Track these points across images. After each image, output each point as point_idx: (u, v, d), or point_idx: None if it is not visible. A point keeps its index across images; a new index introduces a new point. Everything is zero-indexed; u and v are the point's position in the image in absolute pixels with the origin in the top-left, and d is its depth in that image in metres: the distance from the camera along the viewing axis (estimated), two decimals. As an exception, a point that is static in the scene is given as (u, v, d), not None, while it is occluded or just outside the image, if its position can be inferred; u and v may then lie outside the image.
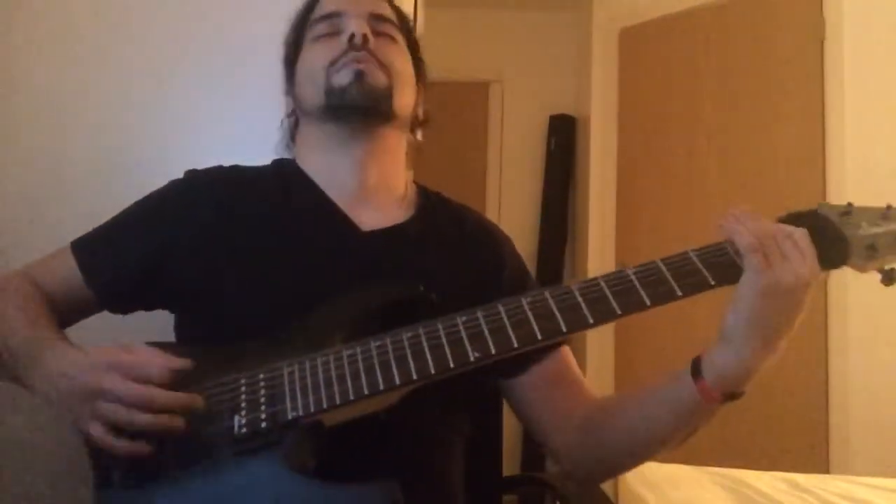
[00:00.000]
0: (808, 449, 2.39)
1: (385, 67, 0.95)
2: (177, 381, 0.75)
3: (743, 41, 2.74)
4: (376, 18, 0.99)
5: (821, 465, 2.30)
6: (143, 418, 0.71)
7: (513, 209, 3.66)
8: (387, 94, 0.94)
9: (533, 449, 3.19)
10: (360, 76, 0.93)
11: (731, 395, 0.78)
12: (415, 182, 1.07)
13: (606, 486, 0.97)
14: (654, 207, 2.94)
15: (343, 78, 0.93)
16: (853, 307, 2.33)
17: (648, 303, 0.75)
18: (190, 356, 0.81)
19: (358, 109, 0.93)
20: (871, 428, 2.24)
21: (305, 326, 0.81)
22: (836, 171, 2.42)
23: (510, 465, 0.97)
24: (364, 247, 0.92)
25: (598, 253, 3.14)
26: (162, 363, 0.74)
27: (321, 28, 0.98)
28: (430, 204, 1.02)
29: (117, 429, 0.72)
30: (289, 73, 1.04)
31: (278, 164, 1.03)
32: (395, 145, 1.01)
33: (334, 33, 0.97)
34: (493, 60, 3.81)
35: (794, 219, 0.81)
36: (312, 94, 0.96)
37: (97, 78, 1.45)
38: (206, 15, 1.48)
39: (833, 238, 0.80)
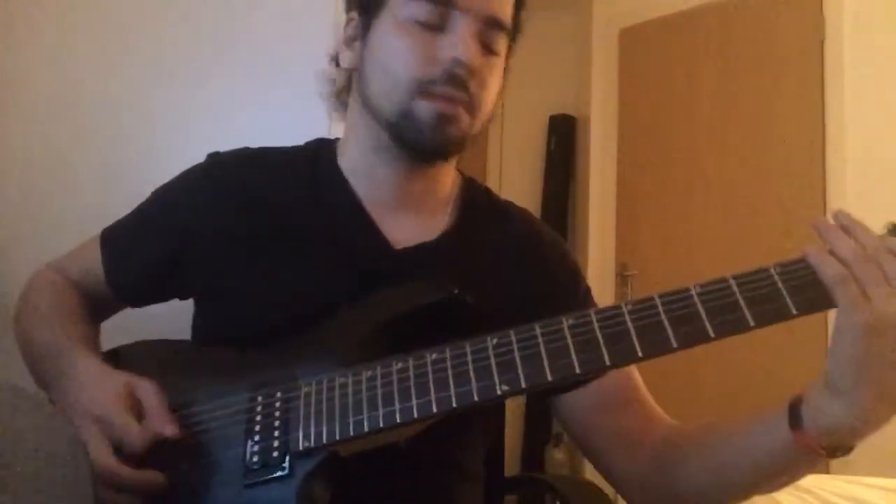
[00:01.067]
0: (808, 449, 2.39)
1: (474, 110, 0.82)
2: (188, 393, 0.74)
3: (743, 41, 2.74)
4: (491, 25, 0.81)
5: (821, 465, 2.30)
6: (103, 493, 0.68)
7: (513, 209, 3.66)
8: (464, 139, 0.83)
9: (533, 449, 3.19)
10: (443, 120, 0.79)
11: (840, 448, 0.65)
12: (461, 174, 0.97)
13: (606, 486, 0.94)
14: (654, 207, 2.94)
15: (425, 113, 0.79)
16: (853, 307, 2.32)
17: (712, 334, 0.62)
18: (209, 358, 0.80)
19: (426, 153, 0.83)
20: (871, 428, 2.24)
21: (330, 332, 0.77)
22: (836, 171, 2.42)
23: (510, 465, 0.95)
24: (394, 265, 0.84)
25: (599, 253, 3.14)
26: (145, 434, 0.70)
27: (421, 11, 0.79)
28: (473, 207, 0.92)
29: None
30: (364, 21, 0.84)
31: (315, 149, 0.93)
32: (451, 162, 0.91)
33: (436, 27, 0.79)
34: (493, 60, 3.81)
35: None
36: (385, 97, 0.81)
37: (96, 77, 1.45)
38: (206, 13, 1.48)
39: None
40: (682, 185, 2.85)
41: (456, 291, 0.75)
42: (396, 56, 0.80)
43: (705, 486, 0.74)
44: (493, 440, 0.97)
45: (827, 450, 0.65)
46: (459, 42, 0.78)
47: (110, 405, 0.72)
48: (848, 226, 0.62)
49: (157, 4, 1.47)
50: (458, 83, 0.78)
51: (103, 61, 1.46)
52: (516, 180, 3.77)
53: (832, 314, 0.64)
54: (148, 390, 0.74)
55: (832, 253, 0.61)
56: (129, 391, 0.74)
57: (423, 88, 0.78)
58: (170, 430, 0.71)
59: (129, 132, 1.45)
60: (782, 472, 0.69)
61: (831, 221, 0.63)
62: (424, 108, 0.79)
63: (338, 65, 0.90)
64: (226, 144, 0.95)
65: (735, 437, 0.73)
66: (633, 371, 0.86)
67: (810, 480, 1.44)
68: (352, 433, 0.67)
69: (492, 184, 3.95)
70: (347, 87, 0.90)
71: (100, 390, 0.74)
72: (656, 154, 2.98)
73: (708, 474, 0.74)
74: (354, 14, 0.85)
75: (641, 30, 3.07)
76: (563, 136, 3.64)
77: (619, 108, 3.15)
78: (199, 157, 0.95)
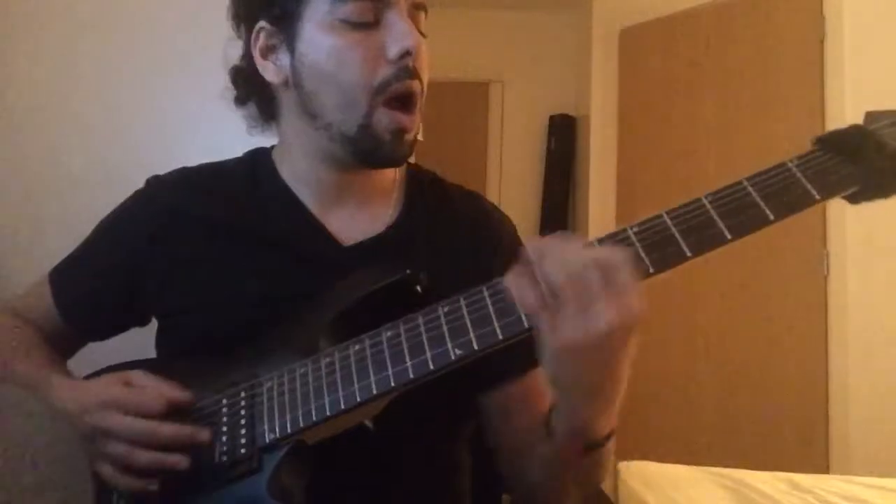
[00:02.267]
0: (808, 449, 2.39)
1: (422, 95, 0.81)
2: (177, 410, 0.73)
3: (743, 41, 2.74)
4: (417, 8, 0.80)
5: (821, 465, 2.30)
6: (145, 457, 0.69)
7: (513, 209, 3.64)
8: (414, 143, 0.82)
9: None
10: (400, 132, 0.79)
11: (592, 444, 0.67)
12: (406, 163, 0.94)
13: (606, 486, 0.94)
14: (654, 207, 2.92)
15: (384, 126, 0.78)
16: (853, 307, 2.33)
17: (728, 236, 0.62)
18: (172, 373, 0.79)
19: (384, 164, 0.84)
20: (871, 428, 2.24)
21: (288, 329, 0.76)
22: (836, 171, 2.42)
23: (510, 465, 0.94)
24: (344, 262, 0.82)
25: (598, 253, 3.14)
26: (161, 395, 0.71)
27: (354, 11, 0.76)
28: (419, 194, 0.91)
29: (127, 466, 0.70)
30: (280, 30, 0.80)
31: (251, 160, 0.92)
32: None
33: (373, 23, 0.77)
34: (493, 60, 3.81)
35: (834, 139, 0.64)
36: (340, 110, 0.79)
37: (94, 80, 1.45)
38: (207, 15, 1.48)
39: (881, 157, 0.61)
40: (682, 185, 2.85)
41: (409, 272, 0.75)
42: (343, 65, 0.77)
43: (536, 481, 0.78)
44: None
45: (579, 448, 0.67)
46: (404, 33, 0.76)
47: (112, 389, 0.73)
48: (545, 251, 0.58)
49: (157, 6, 1.47)
50: (412, 73, 0.78)
51: (104, 63, 1.46)
52: (516, 180, 3.77)
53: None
54: (143, 374, 0.74)
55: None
56: (124, 378, 0.74)
57: (380, 91, 0.77)
58: (180, 393, 0.72)
59: (129, 133, 1.45)
60: (567, 471, 0.72)
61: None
62: (383, 124, 0.78)
63: (247, 80, 0.86)
64: (227, 146, 0.95)
65: (536, 440, 0.75)
66: (541, 380, 0.86)
67: (810, 480, 1.44)
68: (314, 419, 0.67)
69: (492, 184, 3.99)
70: (268, 100, 0.87)
71: (92, 386, 0.75)
72: (656, 154, 2.98)
73: (529, 477, 0.77)
74: (264, 24, 0.81)
75: (641, 30, 3.07)
76: (563, 136, 3.64)
77: (619, 108, 3.14)
78: (200, 159, 0.95)
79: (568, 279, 0.56)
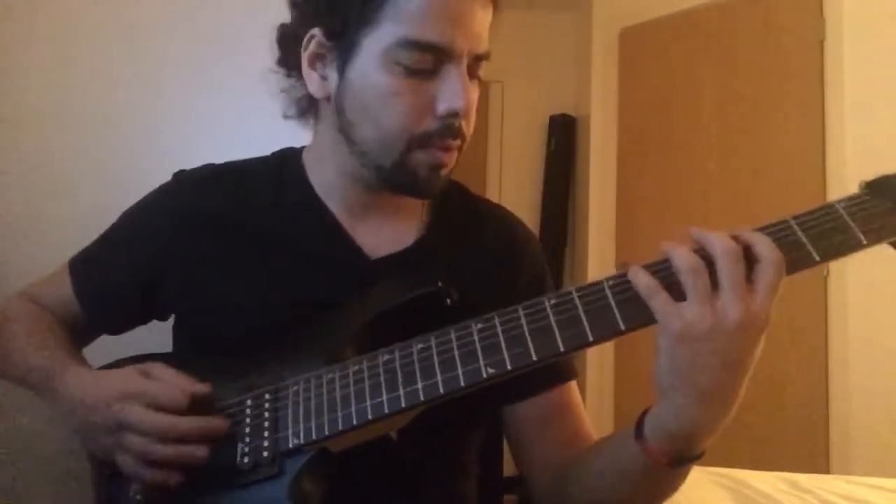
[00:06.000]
0: (808, 449, 2.39)
1: (463, 144, 0.80)
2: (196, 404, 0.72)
3: (743, 41, 2.74)
4: (477, 59, 0.78)
5: (821, 465, 2.30)
6: (165, 451, 0.68)
7: (513, 209, 3.65)
8: (450, 176, 0.81)
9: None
10: (437, 168, 0.78)
11: (683, 458, 0.65)
12: None
13: None
14: (654, 207, 2.94)
15: (421, 164, 0.77)
16: (853, 308, 2.33)
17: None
18: (190, 369, 0.78)
19: (415, 196, 0.83)
20: (871, 428, 2.24)
21: (315, 334, 0.76)
22: (836, 171, 2.42)
23: (509, 464, 0.95)
24: (370, 275, 0.81)
25: (598, 253, 3.14)
26: (182, 389, 0.70)
27: (415, 58, 0.73)
28: (447, 208, 0.90)
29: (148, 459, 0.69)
30: (335, 47, 0.78)
31: (280, 161, 0.91)
32: None
33: (430, 72, 0.74)
34: (493, 60, 3.77)
35: (882, 185, 0.63)
36: (377, 145, 0.77)
37: (95, 82, 1.45)
38: (205, 19, 1.48)
39: None
40: (682, 186, 2.85)
41: (440, 284, 0.75)
42: (389, 109, 0.75)
43: (583, 501, 0.77)
44: (492, 440, 0.97)
45: (670, 459, 0.65)
46: (456, 93, 0.74)
47: (133, 380, 0.72)
48: (700, 237, 0.61)
49: (155, 11, 1.47)
50: (455, 134, 0.77)
51: (102, 68, 1.46)
52: (516, 180, 3.77)
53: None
54: (162, 367, 0.73)
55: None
56: (144, 370, 0.73)
57: (420, 139, 0.76)
58: (201, 387, 0.71)
59: (127, 137, 1.45)
60: (643, 485, 0.69)
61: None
62: (420, 160, 0.77)
63: (289, 72, 0.84)
64: (225, 150, 0.95)
65: (604, 451, 0.75)
66: (573, 391, 0.88)
67: (810, 480, 1.44)
68: (340, 427, 0.67)
69: (492, 184, 3.98)
70: (312, 107, 0.86)
71: (112, 377, 0.74)
72: (656, 154, 2.98)
73: (585, 492, 0.76)
74: (317, 32, 0.78)
75: (641, 30, 3.07)
76: (563, 136, 3.64)
77: (619, 108, 3.14)
78: (199, 160, 0.94)
79: (700, 265, 0.58)
